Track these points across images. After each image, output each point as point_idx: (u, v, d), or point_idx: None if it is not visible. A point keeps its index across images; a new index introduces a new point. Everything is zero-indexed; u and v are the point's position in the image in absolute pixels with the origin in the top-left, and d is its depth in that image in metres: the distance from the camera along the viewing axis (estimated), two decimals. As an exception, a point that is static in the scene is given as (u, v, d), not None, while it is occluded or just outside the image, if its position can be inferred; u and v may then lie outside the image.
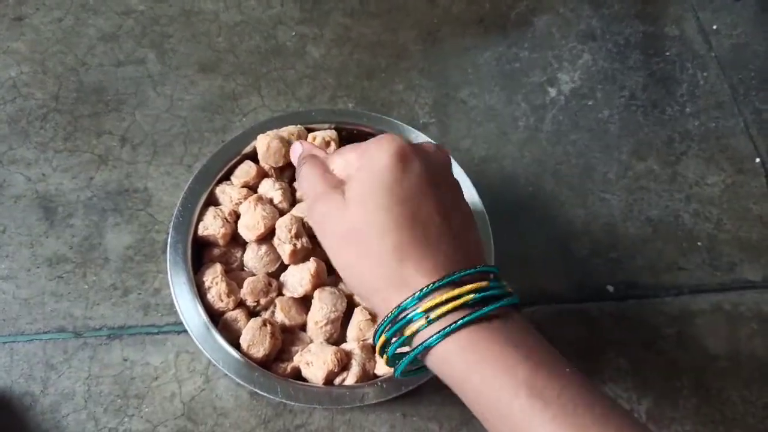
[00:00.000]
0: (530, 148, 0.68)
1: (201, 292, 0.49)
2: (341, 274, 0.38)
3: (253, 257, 0.51)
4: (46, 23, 0.70)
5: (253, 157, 0.54)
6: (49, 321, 0.56)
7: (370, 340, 0.49)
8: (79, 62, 0.68)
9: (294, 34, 0.73)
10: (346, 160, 0.39)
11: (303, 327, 0.51)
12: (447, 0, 0.77)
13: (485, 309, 0.34)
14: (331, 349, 0.47)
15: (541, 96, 0.72)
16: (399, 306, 0.34)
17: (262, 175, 0.54)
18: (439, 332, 0.33)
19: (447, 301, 0.34)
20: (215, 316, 0.49)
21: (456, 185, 0.41)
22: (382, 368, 0.48)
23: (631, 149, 0.69)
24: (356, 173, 0.37)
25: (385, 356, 0.37)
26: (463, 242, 0.37)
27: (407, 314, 0.34)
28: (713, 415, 0.57)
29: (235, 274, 0.51)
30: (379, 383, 0.47)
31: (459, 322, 0.33)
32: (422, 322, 0.34)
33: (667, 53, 0.76)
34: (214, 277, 0.49)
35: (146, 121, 0.66)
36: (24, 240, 0.59)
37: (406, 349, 0.36)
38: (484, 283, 0.35)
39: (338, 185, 0.38)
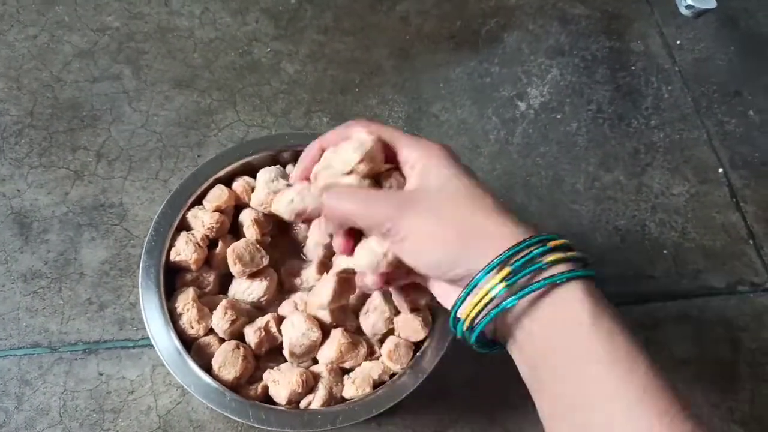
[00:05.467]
0: (501, 161, 0.70)
1: (173, 318, 0.48)
2: (437, 249, 0.35)
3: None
4: (20, 40, 0.71)
5: (225, 180, 0.54)
6: (24, 336, 0.56)
7: (348, 363, 0.49)
8: (54, 78, 0.69)
9: (269, 50, 0.74)
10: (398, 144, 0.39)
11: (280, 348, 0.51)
12: (419, 17, 0.79)
13: (591, 271, 0.34)
14: (297, 370, 0.47)
15: (512, 110, 0.73)
16: (520, 243, 0.33)
17: (235, 199, 0.54)
18: (561, 273, 0.33)
19: (560, 249, 0.34)
20: (189, 341, 0.49)
21: None
22: (349, 391, 0.48)
23: (599, 161, 0.71)
24: (421, 162, 0.37)
25: (487, 296, 0.34)
26: None
27: (527, 253, 0.33)
28: (681, 418, 0.58)
29: (207, 299, 0.51)
30: (351, 406, 0.47)
31: (579, 272, 0.33)
32: (559, 255, 0.33)
33: (633, 68, 0.78)
34: (185, 304, 0.49)
35: (122, 136, 0.66)
36: (-2, 256, 0.59)
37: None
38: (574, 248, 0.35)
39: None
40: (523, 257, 0.33)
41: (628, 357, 0.32)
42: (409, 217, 0.35)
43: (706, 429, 0.31)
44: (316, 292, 0.48)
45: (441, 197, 0.36)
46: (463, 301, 0.35)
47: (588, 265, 0.34)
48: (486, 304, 0.34)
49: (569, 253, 0.34)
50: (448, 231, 0.35)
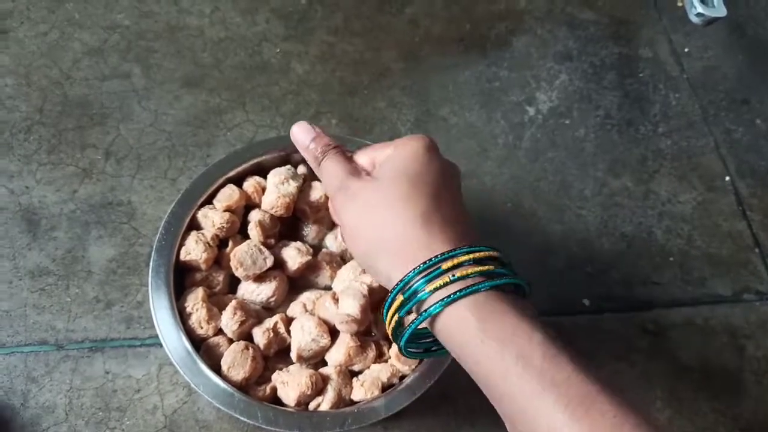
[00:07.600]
0: (509, 165, 0.70)
1: (183, 318, 0.48)
2: (361, 244, 0.41)
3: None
4: (31, 37, 0.71)
5: (236, 180, 0.54)
6: (31, 333, 0.56)
7: (356, 366, 0.49)
8: (64, 76, 0.69)
9: (278, 50, 0.74)
10: (374, 153, 0.43)
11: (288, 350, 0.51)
12: (428, 20, 0.79)
13: (504, 280, 0.37)
14: (307, 372, 0.47)
15: (520, 114, 0.73)
16: (425, 262, 0.37)
17: (245, 199, 0.54)
18: (462, 289, 0.36)
19: (471, 264, 0.37)
20: (198, 341, 0.49)
21: None
22: (358, 394, 0.48)
23: (607, 167, 0.71)
24: (390, 156, 0.41)
25: (395, 318, 0.38)
26: (471, 226, 0.41)
27: (431, 271, 0.36)
28: (686, 426, 0.58)
29: (217, 298, 0.51)
30: (359, 409, 0.47)
31: (485, 285, 0.36)
32: (446, 278, 0.36)
33: (641, 74, 0.78)
34: (194, 303, 0.49)
35: (131, 134, 0.66)
36: (6, 252, 0.59)
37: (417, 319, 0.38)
38: (500, 257, 0.38)
39: (363, 170, 0.43)
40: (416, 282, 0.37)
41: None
42: (349, 209, 0.41)
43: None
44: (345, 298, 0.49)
45: (379, 195, 0.40)
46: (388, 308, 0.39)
47: (498, 274, 0.37)
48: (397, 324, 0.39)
49: (457, 273, 0.36)
50: (369, 232, 0.40)
